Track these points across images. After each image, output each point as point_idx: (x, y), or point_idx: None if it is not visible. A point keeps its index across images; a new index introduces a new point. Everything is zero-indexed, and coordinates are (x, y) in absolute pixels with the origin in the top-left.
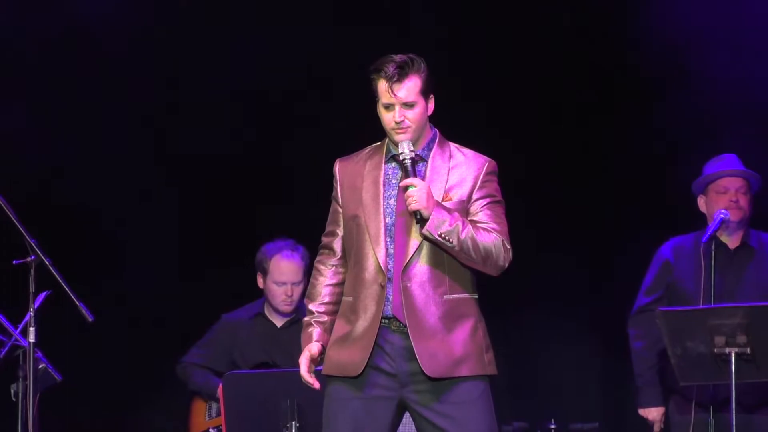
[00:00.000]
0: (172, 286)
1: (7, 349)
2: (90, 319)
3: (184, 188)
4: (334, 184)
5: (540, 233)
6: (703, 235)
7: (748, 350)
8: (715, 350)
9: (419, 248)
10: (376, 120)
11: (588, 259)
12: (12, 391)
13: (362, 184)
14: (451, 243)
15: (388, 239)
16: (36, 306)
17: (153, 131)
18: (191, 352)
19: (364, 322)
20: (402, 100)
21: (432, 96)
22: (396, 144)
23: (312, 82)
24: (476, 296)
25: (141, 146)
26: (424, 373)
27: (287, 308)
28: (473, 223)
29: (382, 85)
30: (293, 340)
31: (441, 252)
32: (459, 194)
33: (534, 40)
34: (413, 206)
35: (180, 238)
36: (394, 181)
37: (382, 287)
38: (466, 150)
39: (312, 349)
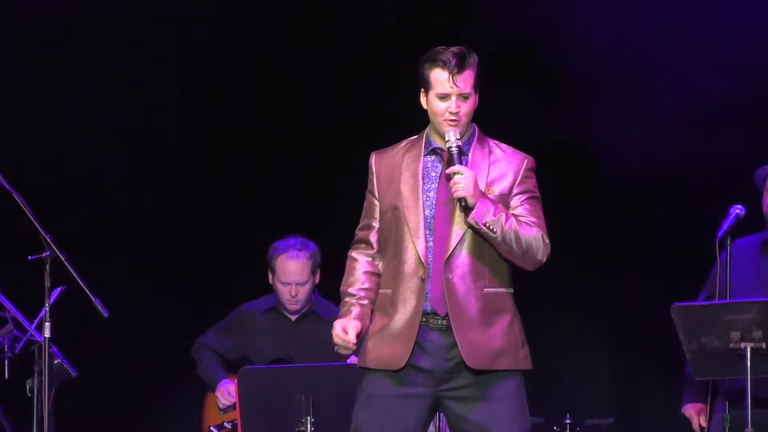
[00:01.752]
0: (185, 280)
1: (22, 344)
2: (105, 315)
3: (195, 187)
4: (370, 176)
5: (558, 231)
6: (719, 231)
7: (764, 345)
8: (731, 345)
9: (462, 240)
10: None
11: (604, 257)
12: (27, 386)
13: (400, 176)
14: (495, 233)
15: (427, 232)
16: (51, 301)
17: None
18: (208, 334)
19: (403, 315)
20: (460, 91)
21: (478, 90)
22: (440, 135)
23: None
24: (512, 290)
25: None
26: (463, 367)
27: (293, 307)
28: (514, 216)
29: (440, 74)
30: (308, 333)
31: (483, 244)
32: (500, 188)
33: None
34: (460, 193)
35: (193, 232)
36: (433, 174)
37: (423, 280)
38: (505, 146)
39: (353, 325)
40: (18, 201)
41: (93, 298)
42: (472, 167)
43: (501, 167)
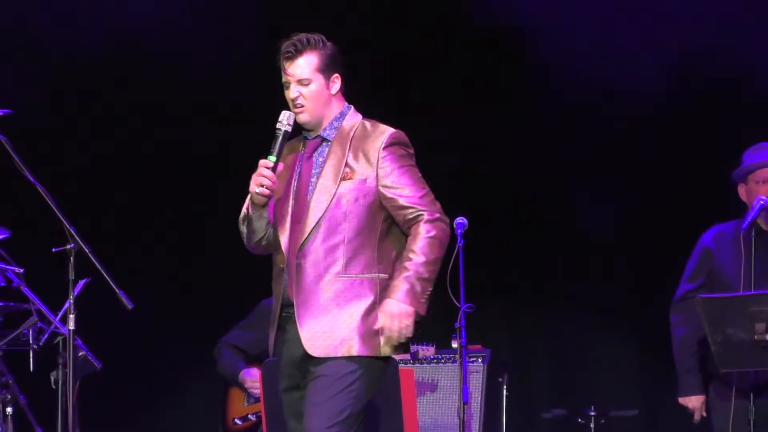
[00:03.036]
0: (213, 273)
1: (47, 336)
2: (129, 307)
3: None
4: None
5: (581, 232)
6: (743, 222)
7: None
8: (756, 337)
9: (317, 226)
10: None
11: (627, 256)
12: (52, 378)
13: (281, 169)
14: (431, 289)
15: (292, 222)
16: (76, 293)
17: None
18: (232, 332)
19: (275, 305)
20: (296, 77)
21: (337, 75)
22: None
23: None
24: (381, 276)
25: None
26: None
27: None
28: (398, 207)
29: (280, 65)
30: None
31: (339, 232)
32: (360, 172)
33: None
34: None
35: (214, 225)
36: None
37: (282, 270)
38: (375, 124)
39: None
40: (42, 193)
41: (117, 290)
42: (333, 155)
43: (363, 147)
